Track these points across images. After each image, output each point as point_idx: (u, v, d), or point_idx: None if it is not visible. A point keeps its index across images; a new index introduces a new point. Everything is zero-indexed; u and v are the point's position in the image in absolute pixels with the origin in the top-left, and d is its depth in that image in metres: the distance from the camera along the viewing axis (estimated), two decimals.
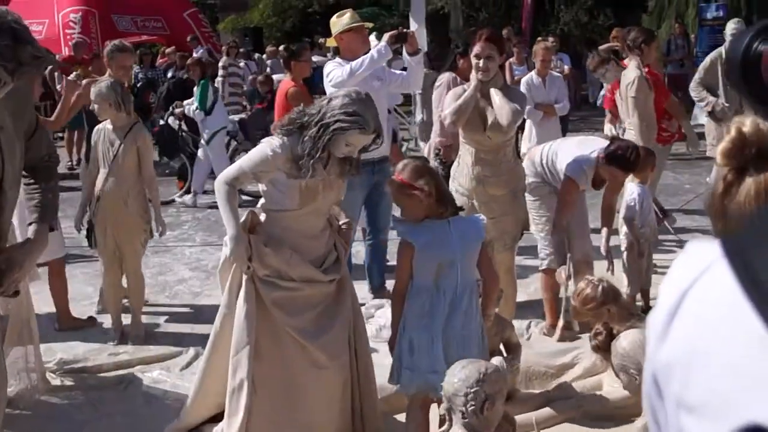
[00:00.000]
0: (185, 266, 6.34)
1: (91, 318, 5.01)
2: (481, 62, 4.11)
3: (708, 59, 6.69)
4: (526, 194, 4.47)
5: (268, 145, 3.12)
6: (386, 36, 4.80)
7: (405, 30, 5.21)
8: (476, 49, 4.12)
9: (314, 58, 19.71)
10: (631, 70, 6.06)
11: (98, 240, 4.58)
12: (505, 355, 3.64)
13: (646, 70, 6.01)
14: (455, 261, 3.09)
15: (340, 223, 3.40)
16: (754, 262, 0.72)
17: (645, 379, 0.81)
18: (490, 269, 3.29)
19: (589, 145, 4.48)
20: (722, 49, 6.57)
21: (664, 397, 0.78)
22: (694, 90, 6.69)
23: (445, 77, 6.39)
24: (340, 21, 5.03)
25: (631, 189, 4.86)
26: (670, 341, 0.77)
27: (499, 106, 4.09)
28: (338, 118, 3.01)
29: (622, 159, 4.31)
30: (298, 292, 3.16)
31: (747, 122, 0.93)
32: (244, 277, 3.15)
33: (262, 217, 3.24)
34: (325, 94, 5.02)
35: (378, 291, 5.13)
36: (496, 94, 4.13)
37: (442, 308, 3.09)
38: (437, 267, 3.09)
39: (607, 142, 4.55)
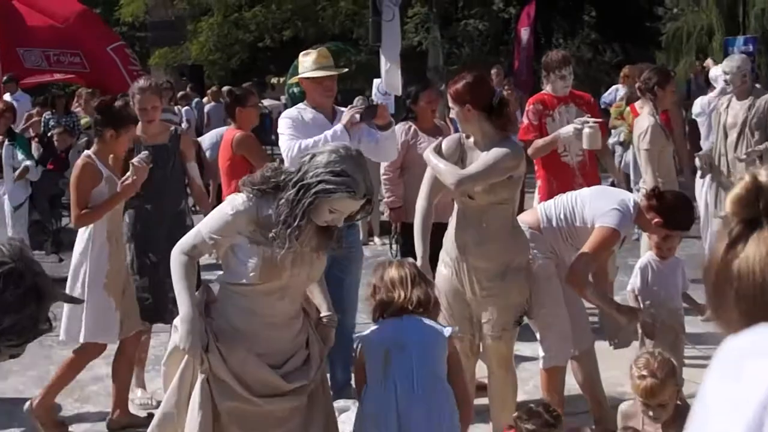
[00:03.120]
0: (103, 359, 6.23)
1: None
2: (453, 113, 4.31)
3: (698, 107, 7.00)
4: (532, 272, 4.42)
5: (230, 203, 3.15)
6: (347, 114, 4.92)
7: (374, 103, 5.30)
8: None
9: (265, 102, 19.85)
10: (644, 118, 6.21)
11: None
12: None
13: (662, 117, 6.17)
14: (405, 345, 3.21)
15: (321, 315, 3.38)
16: None
17: None
18: (459, 384, 3.39)
19: (614, 194, 4.56)
20: (706, 98, 6.90)
21: None
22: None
23: (397, 129, 6.43)
24: (303, 64, 5.14)
25: (645, 257, 4.92)
26: None
27: (439, 171, 4.20)
28: (322, 178, 3.00)
29: (675, 212, 4.36)
30: (258, 408, 3.13)
31: (763, 172, 0.99)
32: (199, 375, 3.10)
33: (218, 292, 3.23)
34: (277, 144, 5.14)
35: (342, 389, 5.08)
36: (432, 156, 4.23)
37: (393, 400, 3.18)
38: (384, 354, 3.22)
39: (628, 193, 4.63)
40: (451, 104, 4.26)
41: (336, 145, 3.16)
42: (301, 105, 5.24)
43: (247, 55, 23.27)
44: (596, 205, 4.40)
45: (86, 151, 5.01)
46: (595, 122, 5.79)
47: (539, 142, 6.03)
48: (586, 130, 5.77)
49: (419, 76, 17.24)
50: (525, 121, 6.20)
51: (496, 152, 4.11)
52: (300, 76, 5.20)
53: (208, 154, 11.00)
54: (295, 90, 19.48)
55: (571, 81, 6.15)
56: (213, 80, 21.97)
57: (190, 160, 5.61)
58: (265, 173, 3.16)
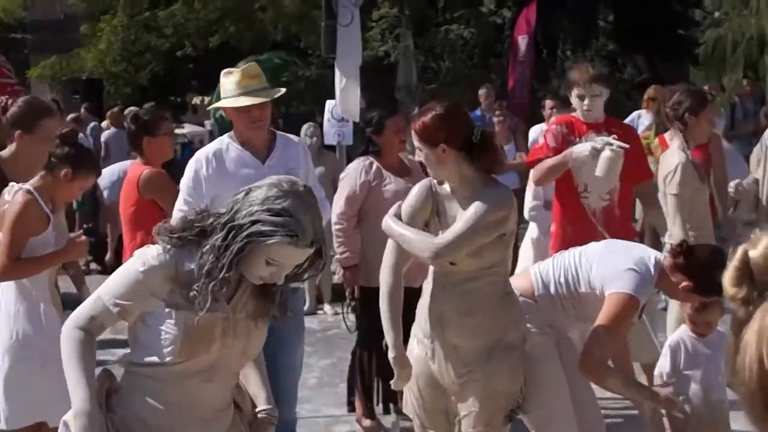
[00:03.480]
0: None
1: None
2: (420, 155, 4.39)
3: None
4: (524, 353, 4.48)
5: (140, 258, 3.16)
6: None
7: None
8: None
9: (184, 128, 19.77)
10: (672, 154, 6.31)
11: None
12: None
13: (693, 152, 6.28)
14: None
15: (258, 409, 3.40)
16: None
17: None
18: None
19: (629, 250, 4.61)
20: None
21: None
22: None
23: (352, 168, 6.53)
24: (224, 86, 5.16)
25: (677, 333, 4.99)
26: None
27: (407, 242, 4.28)
28: (257, 217, 3.04)
29: (709, 273, 4.31)
30: None
31: (762, 241, 1.08)
32: None
33: (122, 378, 3.23)
34: None
35: None
36: (393, 224, 4.32)
37: None
38: None
39: (646, 248, 4.71)
40: (417, 144, 4.31)
41: (278, 178, 3.19)
42: (225, 138, 5.28)
43: (162, 67, 23.28)
44: (606, 266, 4.48)
45: (24, 185, 5.00)
46: (620, 146, 5.87)
47: (547, 162, 6.15)
48: (606, 153, 5.84)
49: (385, 97, 17.28)
50: (540, 140, 6.31)
51: (480, 206, 4.17)
52: (220, 103, 5.24)
53: (106, 194, 10.88)
54: (225, 114, 19.42)
55: (596, 103, 6.25)
56: (116, 99, 21.92)
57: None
58: (188, 216, 3.21)
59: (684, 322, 5.06)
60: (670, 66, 19.37)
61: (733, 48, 18.94)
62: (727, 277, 1.24)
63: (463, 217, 4.19)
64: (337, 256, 6.44)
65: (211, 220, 3.13)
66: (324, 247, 3.18)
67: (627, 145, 5.94)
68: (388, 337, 4.40)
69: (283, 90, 5.34)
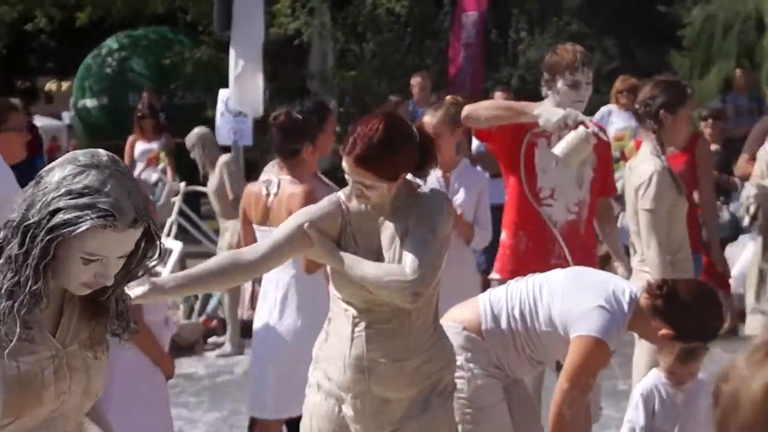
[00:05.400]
0: None
1: None
2: (352, 186, 4.34)
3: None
4: (461, 406, 4.61)
5: None
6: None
7: None
8: (344, 164, 4.33)
9: (38, 122, 19.66)
10: (644, 160, 6.43)
11: None
12: None
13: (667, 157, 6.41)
14: None
15: None
16: None
17: None
18: None
19: (600, 282, 4.73)
20: None
21: None
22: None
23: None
24: None
25: (649, 379, 5.13)
26: None
27: (362, 277, 4.27)
28: (56, 205, 2.94)
29: (694, 318, 4.53)
30: None
31: None
32: None
33: None
34: None
35: None
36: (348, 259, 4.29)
37: None
38: None
39: (621, 280, 4.84)
40: (357, 177, 4.26)
41: (73, 153, 3.10)
42: None
43: (6, 43, 22.96)
44: (571, 301, 4.61)
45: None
46: (591, 132, 5.97)
47: (502, 103, 6.50)
48: (577, 133, 5.93)
49: (295, 87, 17.14)
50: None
51: (430, 217, 4.25)
52: None
53: None
54: (88, 103, 19.38)
55: (587, 94, 6.39)
56: None
57: None
58: None
59: (656, 365, 5.19)
60: (648, 51, 19.55)
61: (724, 31, 19.10)
62: None
63: (416, 235, 4.22)
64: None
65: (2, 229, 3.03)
66: (154, 227, 3.07)
67: (595, 139, 6.07)
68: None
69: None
